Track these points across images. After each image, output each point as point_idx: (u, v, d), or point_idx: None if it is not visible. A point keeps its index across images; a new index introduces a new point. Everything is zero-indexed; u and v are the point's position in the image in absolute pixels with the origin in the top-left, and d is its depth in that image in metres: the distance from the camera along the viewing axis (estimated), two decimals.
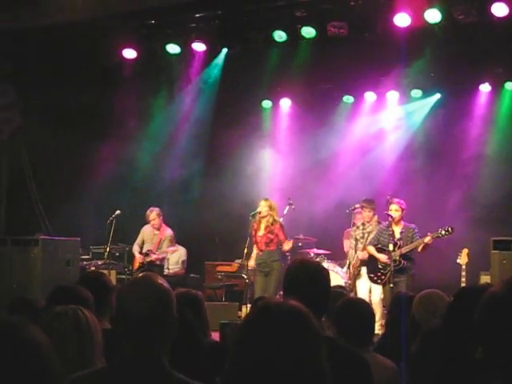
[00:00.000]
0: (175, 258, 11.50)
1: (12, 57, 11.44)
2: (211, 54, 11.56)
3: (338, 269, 10.62)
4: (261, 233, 10.17)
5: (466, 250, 9.46)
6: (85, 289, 3.94)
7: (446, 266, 10.00)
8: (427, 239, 9.16)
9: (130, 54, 11.51)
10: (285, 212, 10.78)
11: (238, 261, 10.68)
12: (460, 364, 2.60)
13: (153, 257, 10.92)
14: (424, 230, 9.67)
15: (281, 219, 10.39)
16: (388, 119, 12.86)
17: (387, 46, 10.30)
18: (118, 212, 11.11)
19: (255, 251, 10.24)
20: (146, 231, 11.26)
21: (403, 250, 9.32)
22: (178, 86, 12.34)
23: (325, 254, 11.33)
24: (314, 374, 1.90)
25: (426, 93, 12.36)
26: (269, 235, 10.10)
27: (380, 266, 9.58)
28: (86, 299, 3.80)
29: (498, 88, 11.93)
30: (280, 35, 10.71)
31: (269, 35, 10.73)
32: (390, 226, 9.47)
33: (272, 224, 10.09)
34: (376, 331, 5.39)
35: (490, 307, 1.93)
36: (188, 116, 12.95)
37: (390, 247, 9.32)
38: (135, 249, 11.22)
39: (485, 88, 11.97)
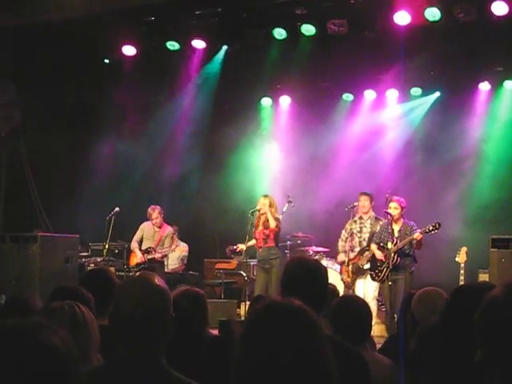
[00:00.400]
0: (176, 254, 11.50)
1: (12, 54, 11.43)
2: (211, 51, 11.56)
3: (337, 266, 10.65)
4: (259, 229, 10.21)
5: (464, 249, 9.47)
6: (85, 289, 3.91)
7: (445, 265, 10.02)
8: (416, 235, 9.17)
9: (129, 50, 11.52)
10: (284, 209, 10.79)
11: (241, 246, 10.58)
12: (458, 362, 2.61)
13: (156, 255, 10.88)
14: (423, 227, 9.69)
15: (280, 216, 10.41)
16: (387, 117, 12.85)
17: (387, 44, 10.30)
18: (117, 209, 11.11)
19: (252, 243, 10.31)
20: (146, 228, 11.23)
21: (394, 248, 9.34)
22: (177, 83, 12.33)
23: (324, 252, 11.34)
24: (319, 372, 1.91)
25: (426, 91, 12.36)
26: (265, 231, 10.14)
27: (378, 264, 9.61)
28: (87, 300, 3.78)
29: (497, 87, 11.92)
30: (280, 33, 10.72)
31: (269, 33, 10.74)
32: (389, 224, 9.48)
33: (268, 220, 10.12)
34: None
35: (491, 311, 1.93)
36: (187, 113, 12.95)
37: (389, 245, 9.35)
38: (134, 245, 11.17)
39: (484, 86, 11.97)
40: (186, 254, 11.61)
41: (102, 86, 12.37)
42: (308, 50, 10.95)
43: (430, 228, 9.06)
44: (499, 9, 9.30)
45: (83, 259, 11.58)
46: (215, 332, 6.04)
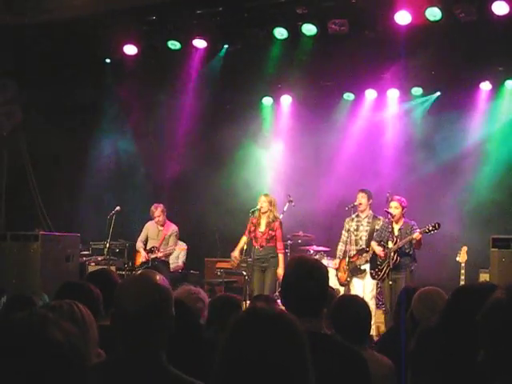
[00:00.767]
0: (175, 253, 11.50)
1: (13, 53, 11.44)
2: (212, 50, 11.56)
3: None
4: (262, 229, 10.14)
5: (465, 248, 9.48)
6: (94, 286, 3.91)
7: (446, 264, 10.03)
8: (415, 235, 9.17)
9: (131, 50, 11.53)
10: (285, 209, 10.78)
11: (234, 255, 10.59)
12: (458, 363, 2.61)
13: (159, 254, 10.88)
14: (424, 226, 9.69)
15: (281, 216, 10.40)
16: (388, 117, 12.85)
17: (388, 44, 10.31)
18: (117, 208, 11.12)
19: (243, 241, 10.28)
20: (150, 227, 11.23)
21: (394, 247, 9.34)
22: (178, 82, 12.33)
23: (324, 251, 11.34)
24: (296, 379, 1.92)
25: (427, 90, 12.36)
26: (270, 232, 10.08)
27: (378, 263, 9.61)
28: (96, 296, 3.78)
29: (498, 86, 11.92)
30: (281, 32, 10.73)
31: (269, 32, 10.74)
32: (390, 223, 9.49)
33: (273, 221, 10.09)
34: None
35: (494, 313, 1.94)
36: (188, 113, 12.95)
37: (389, 244, 9.36)
38: (139, 245, 11.17)
39: (485, 86, 11.97)
40: (185, 253, 11.60)
41: (104, 85, 12.39)
42: (309, 50, 10.97)
43: (430, 228, 9.06)
44: (500, 8, 9.30)
45: (84, 258, 11.59)
46: None
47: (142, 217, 11.45)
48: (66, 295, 3.49)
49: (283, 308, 3.06)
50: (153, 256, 10.89)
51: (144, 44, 11.46)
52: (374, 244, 9.78)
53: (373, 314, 9.06)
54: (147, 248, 11.06)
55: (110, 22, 10.59)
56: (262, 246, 10.12)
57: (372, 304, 9.59)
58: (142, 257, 11.04)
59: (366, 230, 10.14)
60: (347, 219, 10.43)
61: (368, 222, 10.20)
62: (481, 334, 1.97)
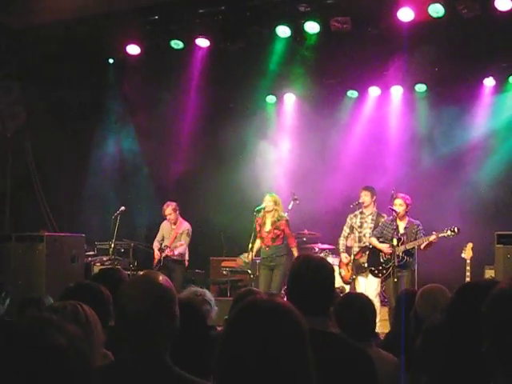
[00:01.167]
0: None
1: (16, 54, 11.45)
2: (215, 49, 11.56)
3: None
4: (267, 228, 10.15)
5: (470, 245, 9.45)
6: (103, 286, 3.82)
7: (451, 261, 10.00)
8: (432, 237, 9.12)
9: (134, 50, 11.53)
10: (289, 207, 10.78)
11: (244, 255, 10.62)
12: (462, 359, 2.61)
13: (166, 252, 10.83)
14: (428, 224, 9.67)
15: (286, 214, 10.40)
16: (392, 113, 12.84)
17: (391, 41, 10.30)
18: (122, 208, 11.12)
19: (258, 244, 10.27)
20: (165, 226, 11.18)
21: (407, 246, 9.32)
22: (181, 81, 12.33)
23: (329, 249, 11.34)
24: (300, 371, 1.92)
25: (430, 87, 12.34)
26: (276, 231, 10.08)
27: (382, 260, 9.58)
28: (105, 298, 3.71)
29: (502, 82, 11.90)
30: (283, 30, 10.73)
31: (272, 30, 10.74)
32: (394, 220, 9.44)
33: (278, 220, 10.08)
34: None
35: (499, 303, 1.94)
36: (192, 111, 12.96)
37: (394, 242, 9.30)
38: (155, 245, 11.10)
39: (489, 82, 11.95)
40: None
41: (107, 85, 12.41)
42: (312, 48, 10.95)
43: (449, 233, 9.01)
44: (503, 4, 9.28)
45: (89, 258, 11.58)
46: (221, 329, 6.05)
47: (147, 216, 11.45)
48: (74, 296, 3.44)
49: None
50: (163, 255, 10.84)
51: (147, 44, 11.47)
52: (374, 240, 9.74)
53: (378, 311, 9.09)
54: (161, 247, 11.00)
55: (113, 22, 10.59)
56: (268, 246, 10.14)
57: (377, 301, 9.54)
58: (155, 255, 10.99)
59: (370, 227, 10.10)
60: (350, 215, 10.39)
61: (372, 219, 10.16)
62: (485, 324, 1.97)
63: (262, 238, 10.19)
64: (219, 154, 13.42)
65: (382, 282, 9.88)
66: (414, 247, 9.33)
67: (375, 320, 4.40)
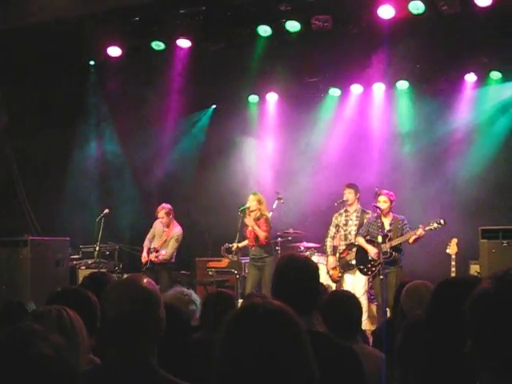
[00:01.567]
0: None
1: None
2: (196, 49, 11.52)
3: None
4: (249, 228, 10.21)
5: (455, 240, 9.48)
6: (90, 292, 3.77)
7: (436, 257, 10.03)
8: (419, 232, 9.16)
9: (115, 51, 11.47)
10: (274, 206, 10.79)
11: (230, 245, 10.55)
12: (443, 355, 2.62)
13: (151, 256, 10.73)
14: (413, 219, 9.71)
15: (270, 213, 10.41)
16: (374, 111, 12.87)
17: (372, 39, 10.33)
18: (106, 210, 11.08)
19: (245, 242, 10.31)
20: (157, 226, 11.10)
21: (393, 243, 9.34)
22: (163, 82, 12.28)
23: (314, 248, 11.34)
24: (301, 373, 1.91)
25: (412, 84, 12.38)
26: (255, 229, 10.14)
27: (370, 258, 9.60)
28: (93, 303, 3.65)
29: (483, 78, 11.95)
30: (265, 30, 10.71)
31: (253, 30, 10.72)
32: (378, 217, 9.46)
33: (258, 218, 10.12)
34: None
35: (481, 303, 1.94)
36: (174, 113, 12.93)
37: (379, 239, 9.31)
38: (145, 244, 11.01)
39: (470, 78, 12.00)
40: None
41: (89, 86, 12.34)
42: (293, 46, 10.95)
43: (435, 225, 9.06)
44: (482, 0, 9.31)
45: (74, 262, 11.53)
46: None
47: (131, 218, 11.41)
48: (60, 301, 3.38)
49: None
50: (150, 257, 10.74)
51: (128, 45, 11.40)
52: (361, 240, 9.76)
53: (365, 308, 9.12)
54: (150, 248, 10.90)
55: (93, 23, 10.53)
56: (253, 245, 10.19)
57: (364, 299, 9.56)
58: (142, 257, 10.89)
59: (356, 225, 10.13)
60: (335, 214, 10.41)
61: (357, 217, 10.18)
62: (467, 324, 1.97)
63: (247, 238, 10.26)
64: (203, 155, 13.40)
65: (369, 280, 9.89)
66: (401, 243, 9.36)
67: (361, 317, 4.41)
